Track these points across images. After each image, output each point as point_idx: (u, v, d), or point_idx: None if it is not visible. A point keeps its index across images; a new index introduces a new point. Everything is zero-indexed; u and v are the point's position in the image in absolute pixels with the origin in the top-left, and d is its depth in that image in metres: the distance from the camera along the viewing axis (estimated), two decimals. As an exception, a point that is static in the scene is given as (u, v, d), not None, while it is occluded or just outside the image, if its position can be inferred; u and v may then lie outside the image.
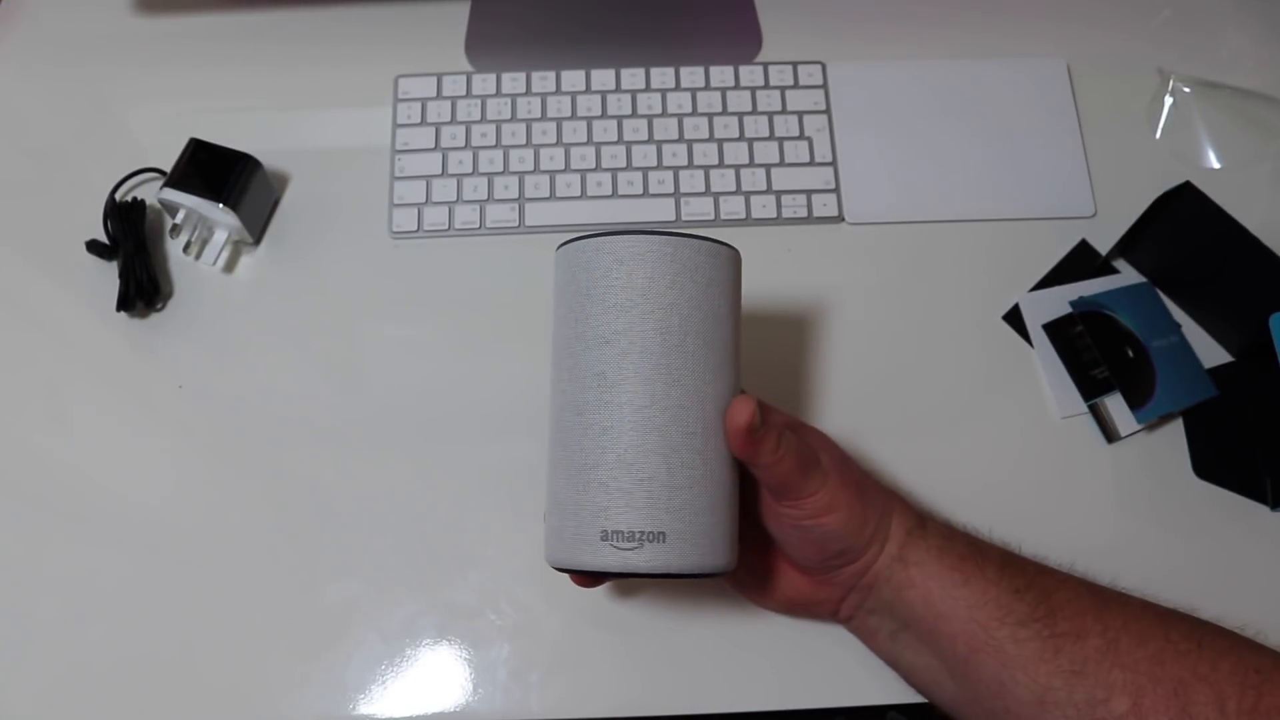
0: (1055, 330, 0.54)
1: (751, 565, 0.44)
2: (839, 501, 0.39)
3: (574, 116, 0.60)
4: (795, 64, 0.61)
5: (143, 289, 0.54)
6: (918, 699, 0.45)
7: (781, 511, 0.40)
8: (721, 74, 0.61)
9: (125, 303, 0.54)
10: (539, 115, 0.60)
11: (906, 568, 0.40)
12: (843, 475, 0.40)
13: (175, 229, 0.55)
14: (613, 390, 0.36)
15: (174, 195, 0.54)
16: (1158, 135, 0.60)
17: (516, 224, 0.57)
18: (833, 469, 0.40)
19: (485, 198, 0.58)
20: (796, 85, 0.61)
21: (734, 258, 0.39)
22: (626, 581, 0.49)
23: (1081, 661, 0.36)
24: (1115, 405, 0.52)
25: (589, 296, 0.37)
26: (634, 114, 0.60)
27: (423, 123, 0.60)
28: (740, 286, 0.40)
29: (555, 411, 0.39)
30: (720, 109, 0.60)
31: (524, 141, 0.59)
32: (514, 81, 0.60)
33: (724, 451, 0.38)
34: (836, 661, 0.47)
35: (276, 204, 0.58)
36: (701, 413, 0.37)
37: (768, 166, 0.58)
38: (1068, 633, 0.37)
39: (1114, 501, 0.51)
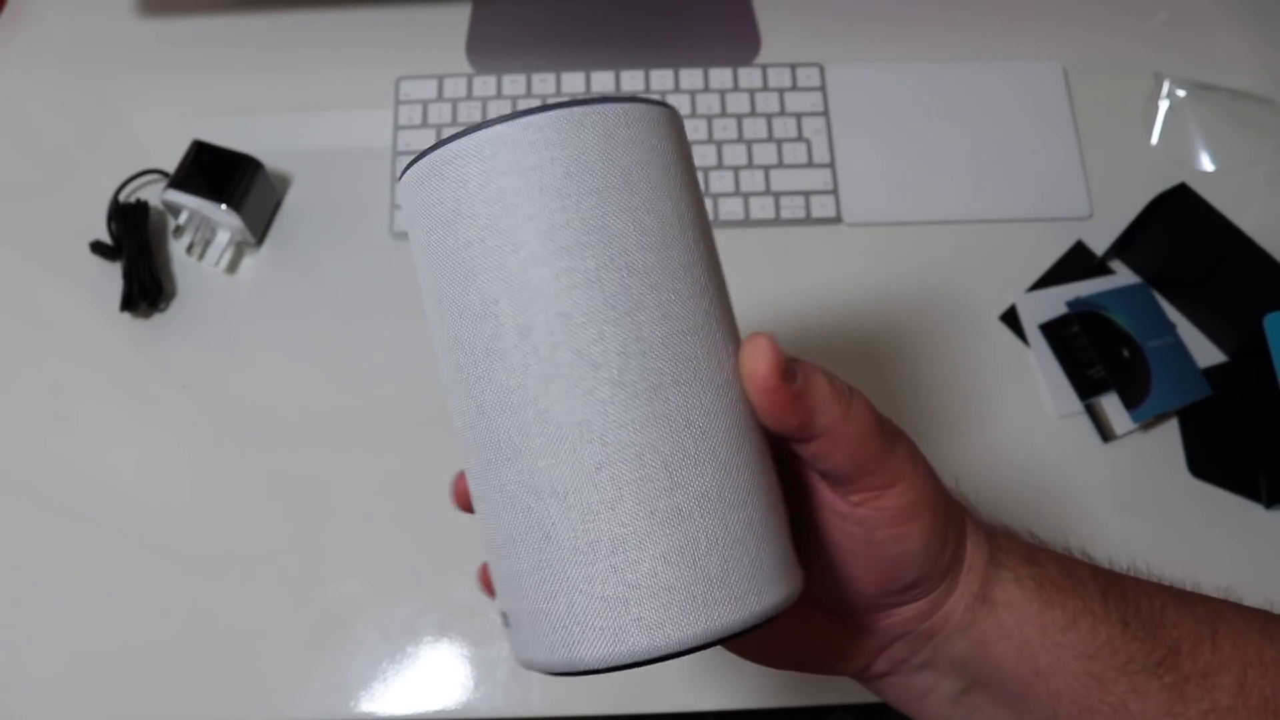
0: (1052, 330, 0.55)
1: None
2: (926, 501, 0.28)
3: (574, 118, 0.60)
4: (793, 66, 0.62)
5: (146, 290, 0.55)
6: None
7: (847, 513, 0.28)
8: (720, 76, 0.61)
9: (129, 303, 0.54)
10: (539, 117, 0.60)
11: (994, 611, 0.29)
12: (927, 466, 0.29)
13: (178, 230, 0.56)
14: (542, 427, 0.23)
15: (177, 196, 0.55)
16: (1153, 137, 0.60)
17: (517, 225, 0.58)
18: (917, 455, 0.28)
19: (486, 199, 0.58)
20: (795, 87, 0.61)
21: (671, 119, 0.25)
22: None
23: (1216, 712, 0.29)
24: (1111, 405, 0.53)
25: (469, 278, 0.23)
26: (634, 116, 0.60)
27: (424, 124, 0.60)
28: (690, 160, 0.26)
29: (471, 450, 0.25)
30: (719, 111, 0.60)
31: (524, 143, 0.59)
32: (514, 83, 0.61)
33: (742, 428, 0.25)
34: (834, 659, 0.48)
35: (279, 205, 0.59)
36: (700, 397, 0.24)
37: (766, 168, 0.59)
38: (1193, 674, 0.29)
39: (1110, 500, 0.51)
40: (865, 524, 0.27)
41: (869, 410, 0.27)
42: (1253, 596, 0.51)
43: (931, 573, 0.29)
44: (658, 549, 0.23)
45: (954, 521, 0.29)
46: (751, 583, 0.24)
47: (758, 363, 0.24)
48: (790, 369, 0.25)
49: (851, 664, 0.32)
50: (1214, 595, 0.33)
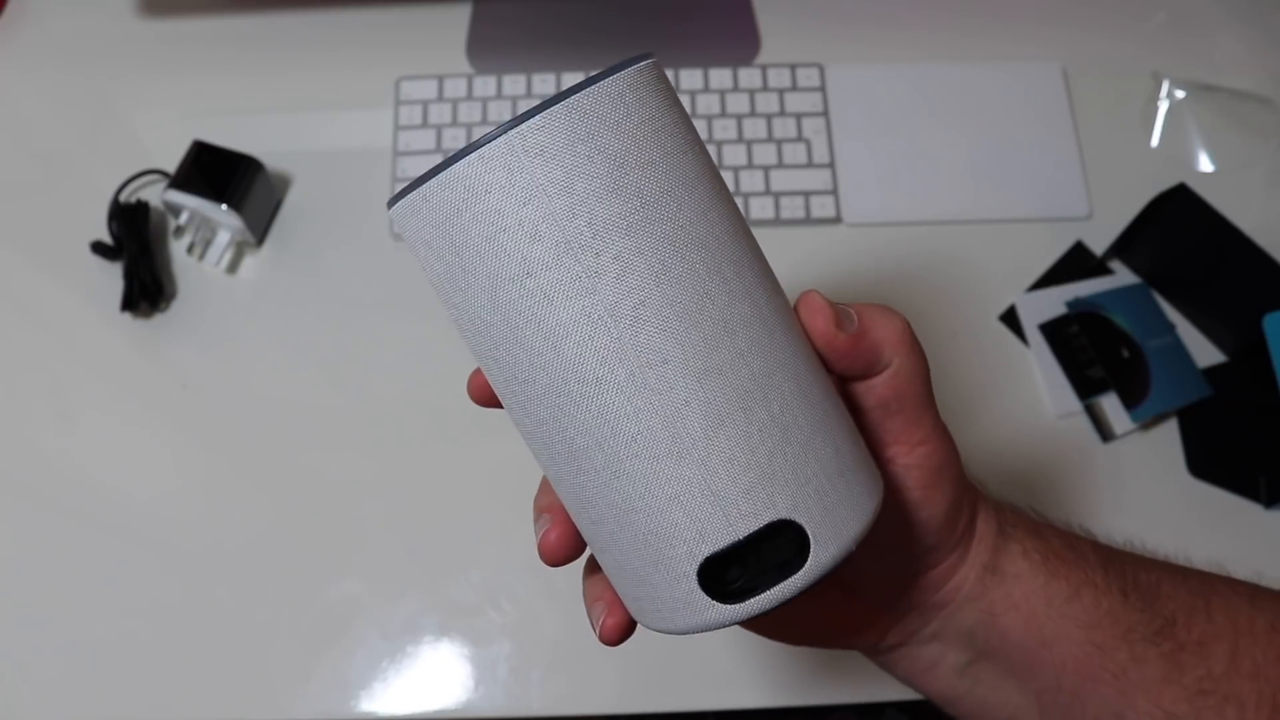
0: (1051, 330, 0.55)
1: None
2: (951, 468, 0.29)
3: (574, 119, 0.60)
4: (793, 66, 0.62)
5: (147, 290, 0.55)
6: (915, 696, 0.45)
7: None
8: (720, 76, 0.61)
9: (129, 303, 0.54)
10: (539, 117, 0.60)
11: (1003, 582, 0.30)
12: (952, 438, 0.30)
13: (179, 230, 0.56)
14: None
15: (177, 197, 0.55)
16: (1152, 138, 0.60)
17: (517, 225, 0.58)
18: (944, 425, 0.29)
19: (486, 199, 0.58)
20: (795, 88, 0.61)
21: (654, 74, 0.24)
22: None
23: (1210, 678, 0.30)
24: (1111, 405, 0.53)
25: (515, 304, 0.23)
26: (634, 116, 0.60)
27: (424, 125, 0.60)
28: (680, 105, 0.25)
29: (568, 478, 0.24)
30: (719, 111, 0.60)
31: (524, 143, 0.59)
32: (515, 84, 0.61)
33: (797, 353, 0.25)
34: (836, 658, 0.48)
35: (279, 205, 0.59)
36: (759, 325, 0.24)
37: (766, 168, 0.59)
38: (1188, 643, 0.30)
39: (1109, 500, 0.52)
40: (893, 485, 0.28)
41: (921, 352, 0.28)
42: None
43: (946, 541, 0.29)
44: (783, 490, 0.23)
45: (968, 494, 0.30)
46: (860, 489, 0.24)
47: (814, 319, 0.26)
48: (843, 316, 0.26)
49: (867, 637, 0.32)
50: (1205, 568, 0.34)
